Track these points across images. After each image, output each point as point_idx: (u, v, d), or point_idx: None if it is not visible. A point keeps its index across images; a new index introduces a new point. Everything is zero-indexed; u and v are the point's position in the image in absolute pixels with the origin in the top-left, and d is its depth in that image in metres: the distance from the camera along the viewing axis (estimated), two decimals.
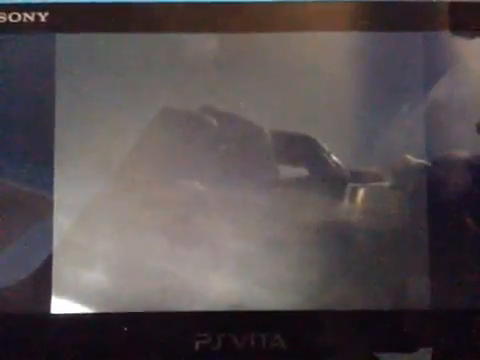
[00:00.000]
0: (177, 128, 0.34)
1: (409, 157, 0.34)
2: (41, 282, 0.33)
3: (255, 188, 0.34)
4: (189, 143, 0.34)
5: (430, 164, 0.34)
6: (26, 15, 0.34)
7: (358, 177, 0.34)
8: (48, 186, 0.33)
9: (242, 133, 0.34)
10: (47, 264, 0.33)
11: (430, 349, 0.33)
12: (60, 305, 0.33)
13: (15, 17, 0.34)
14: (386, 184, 0.34)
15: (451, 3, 0.34)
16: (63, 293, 0.33)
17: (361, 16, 0.34)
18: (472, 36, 0.34)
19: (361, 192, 0.34)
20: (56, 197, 0.33)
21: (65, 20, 0.34)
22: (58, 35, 0.34)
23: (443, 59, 0.34)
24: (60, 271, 0.33)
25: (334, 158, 0.34)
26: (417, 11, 0.34)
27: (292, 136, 0.34)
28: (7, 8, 0.34)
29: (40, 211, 0.33)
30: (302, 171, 0.34)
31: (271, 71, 0.34)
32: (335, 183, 0.34)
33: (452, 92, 0.34)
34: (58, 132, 0.34)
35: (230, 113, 0.34)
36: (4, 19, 0.34)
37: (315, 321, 0.33)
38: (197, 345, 0.33)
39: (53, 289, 0.33)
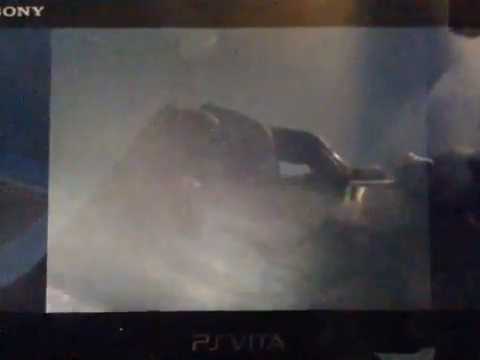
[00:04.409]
0: (177, 126, 0.34)
1: (411, 155, 0.34)
2: (36, 281, 0.33)
3: (256, 185, 0.33)
4: (190, 141, 0.34)
5: (432, 162, 0.34)
6: (21, 9, 0.34)
7: (359, 175, 0.34)
8: (43, 184, 0.33)
9: (243, 130, 0.34)
10: (42, 263, 0.33)
11: (432, 349, 0.33)
12: (55, 304, 0.33)
13: (10, 11, 0.34)
14: (388, 182, 0.34)
15: None
16: (58, 292, 0.33)
17: (363, 11, 0.34)
18: (475, 33, 0.34)
19: (362, 190, 0.34)
20: (51, 195, 0.33)
21: (60, 15, 0.34)
22: (53, 30, 0.34)
23: (446, 56, 0.34)
24: (55, 270, 0.33)
25: (335, 156, 0.34)
26: (419, 7, 0.34)
27: (293, 133, 0.34)
28: (1, 2, 0.34)
29: (35, 209, 0.33)
30: (303, 168, 0.34)
31: (272, 67, 0.34)
32: (336, 181, 0.34)
33: (454, 89, 0.34)
34: (53, 129, 0.33)
35: (231, 110, 0.34)
36: None
37: (315, 321, 0.33)
38: (195, 346, 0.33)
39: (48, 288, 0.33)
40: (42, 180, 0.33)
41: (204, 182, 0.33)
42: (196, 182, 0.33)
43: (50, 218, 0.33)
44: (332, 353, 0.33)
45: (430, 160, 0.34)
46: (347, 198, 0.34)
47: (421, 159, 0.34)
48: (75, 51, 0.34)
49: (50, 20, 0.34)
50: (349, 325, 0.33)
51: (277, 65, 0.34)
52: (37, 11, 0.34)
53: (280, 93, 0.34)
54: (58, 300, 0.33)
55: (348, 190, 0.34)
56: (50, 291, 0.33)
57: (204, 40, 0.34)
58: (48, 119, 0.33)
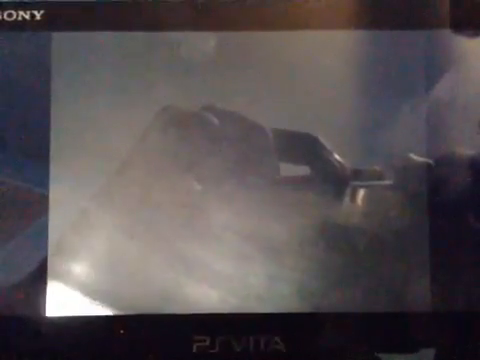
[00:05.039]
0: (178, 127, 0.34)
1: (411, 155, 0.34)
2: (36, 284, 0.33)
3: (256, 187, 0.33)
4: (190, 142, 0.34)
5: (432, 163, 0.34)
6: (21, 13, 0.34)
7: (359, 176, 0.34)
8: (43, 184, 0.33)
9: (243, 131, 0.34)
10: (42, 265, 0.33)
11: (432, 350, 0.33)
12: (55, 307, 0.33)
13: (10, 15, 0.34)
14: (387, 183, 0.34)
15: (453, 1, 0.34)
16: (58, 295, 0.33)
17: (363, 14, 0.34)
18: (475, 34, 0.34)
19: (362, 191, 0.34)
20: (51, 196, 0.33)
21: (61, 18, 0.34)
22: (54, 34, 0.34)
23: (445, 57, 0.34)
24: (55, 273, 0.33)
25: (335, 157, 0.34)
26: (419, 9, 0.34)
27: (293, 134, 0.34)
28: (2, 6, 0.34)
29: (35, 210, 0.33)
30: (303, 170, 0.34)
31: (272, 69, 0.34)
32: (336, 182, 0.34)
33: (454, 91, 0.34)
34: (54, 131, 0.33)
35: (231, 111, 0.34)
36: None
37: (315, 323, 0.33)
38: (195, 348, 0.33)
39: (48, 291, 0.33)
40: (42, 180, 0.33)
41: (205, 183, 0.33)
42: (197, 183, 0.33)
43: (51, 219, 0.33)
44: (333, 354, 0.33)
45: (430, 161, 0.34)
46: (347, 199, 0.34)
47: (421, 160, 0.34)
48: (75, 54, 0.34)
49: (50, 24, 0.34)
50: (349, 327, 0.33)
51: (277, 67, 0.34)
52: (37, 15, 0.34)
53: (280, 95, 0.34)
54: (59, 303, 0.33)
55: (348, 191, 0.34)
56: (51, 294, 0.33)
57: (204, 43, 0.34)
58: (49, 121, 0.33)
